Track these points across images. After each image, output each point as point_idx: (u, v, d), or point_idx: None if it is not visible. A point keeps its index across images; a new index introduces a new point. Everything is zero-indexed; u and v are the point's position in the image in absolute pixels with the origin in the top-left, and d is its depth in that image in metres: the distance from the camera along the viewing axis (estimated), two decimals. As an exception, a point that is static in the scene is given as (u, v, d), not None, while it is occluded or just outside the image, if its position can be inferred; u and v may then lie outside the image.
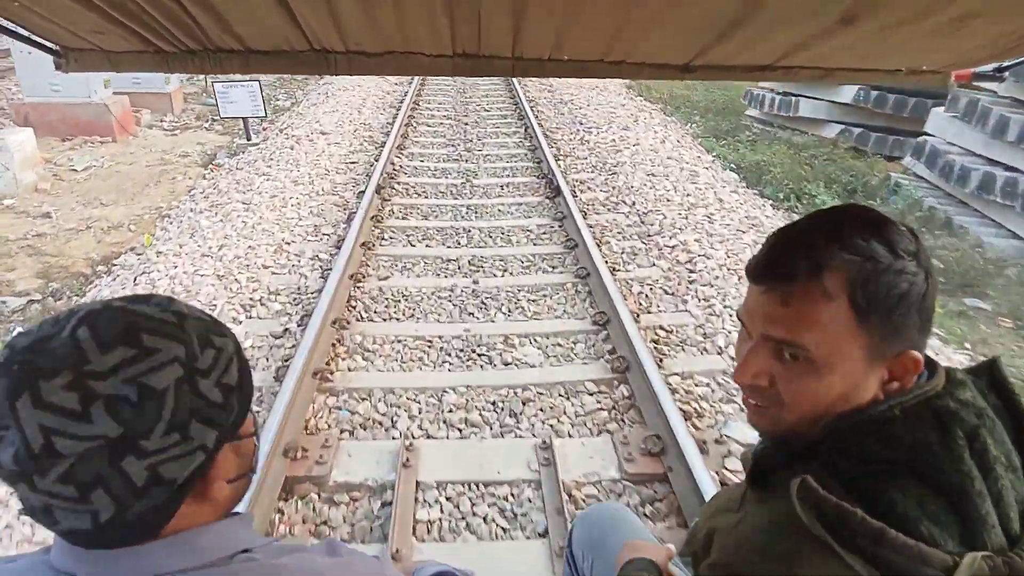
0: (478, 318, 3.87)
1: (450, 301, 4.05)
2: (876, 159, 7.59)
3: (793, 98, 8.64)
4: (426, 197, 5.95)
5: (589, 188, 6.18)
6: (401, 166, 6.84)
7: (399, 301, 4.02)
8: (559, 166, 6.65)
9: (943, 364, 0.76)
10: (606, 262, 4.45)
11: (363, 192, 5.67)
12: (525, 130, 8.47)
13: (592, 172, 6.69)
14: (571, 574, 1.34)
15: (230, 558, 0.64)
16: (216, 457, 0.64)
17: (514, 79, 11.34)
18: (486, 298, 4.08)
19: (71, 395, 0.55)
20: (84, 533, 0.58)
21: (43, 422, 0.54)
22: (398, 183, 6.24)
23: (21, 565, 0.63)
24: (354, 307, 3.95)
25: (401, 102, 9.85)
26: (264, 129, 8.92)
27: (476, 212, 5.58)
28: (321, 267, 4.45)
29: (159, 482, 0.59)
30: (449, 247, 4.83)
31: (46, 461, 0.55)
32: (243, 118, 8.10)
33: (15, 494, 0.58)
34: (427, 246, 4.85)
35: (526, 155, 7.38)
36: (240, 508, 0.76)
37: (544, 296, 4.12)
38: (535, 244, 4.92)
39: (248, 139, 8.24)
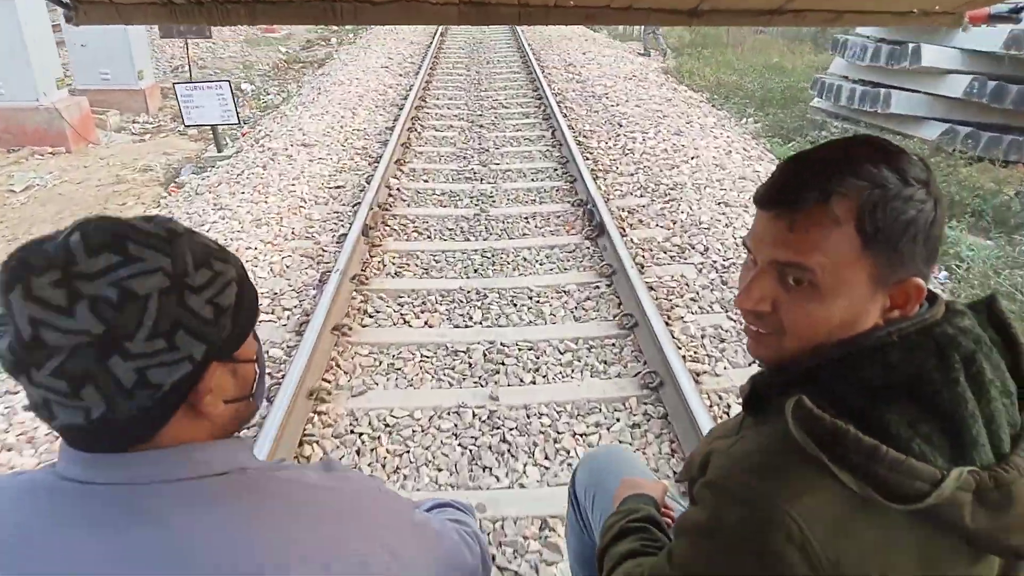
0: (497, 478, 2.49)
1: (457, 442, 2.67)
2: (1008, 168, 6.02)
3: (883, 90, 7.05)
4: (428, 238, 4.54)
5: (641, 222, 4.73)
6: (399, 189, 5.41)
7: (378, 437, 2.65)
8: (599, 187, 5.19)
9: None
10: (684, 357, 3.04)
11: (345, 235, 4.27)
12: (552, 134, 7.00)
13: (642, 196, 5.21)
14: (575, 515, 1.36)
15: (224, 474, 0.66)
16: (205, 372, 0.66)
17: (537, 70, 9.83)
18: (509, 433, 2.69)
19: (58, 292, 0.58)
20: (79, 430, 0.62)
21: (32, 314, 0.58)
22: (393, 217, 4.82)
23: (30, 476, 0.67)
24: (311, 454, 2.58)
25: (405, 99, 8.38)
26: (242, 135, 7.54)
27: (493, 262, 4.16)
28: (271, 375, 3.05)
29: (146, 385, 0.61)
30: (456, 325, 3.45)
31: (37, 352, 0.58)
32: (212, 126, 6.72)
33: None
34: (426, 325, 3.46)
35: (556, 171, 5.91)
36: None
37: (597, 426, 2.73)
38: (576, 318, 3.51)
39: (219, 150, 6.87)
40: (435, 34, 13.83)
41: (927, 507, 0.63)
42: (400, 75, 10.09)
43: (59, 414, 0.60)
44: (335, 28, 15.57)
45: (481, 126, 7.44)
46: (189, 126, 7.06)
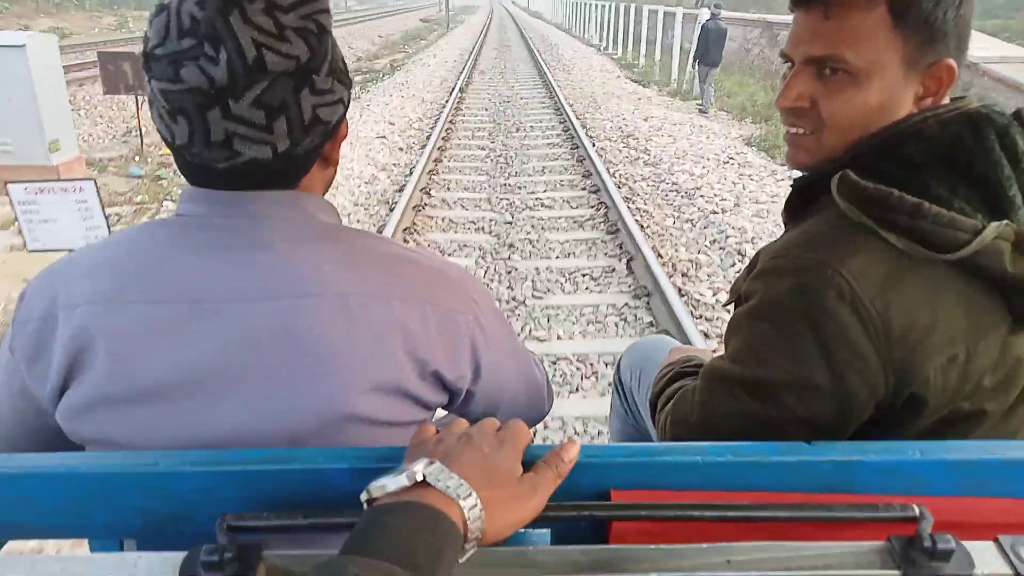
0: None
1: None
2: None
3: None
4: None
5: None
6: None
7: None
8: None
9: None
10: None
11: None
12: (629, 265, 4.22)
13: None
14: (620, 400, 1.37)
15: (327, 224, 0.70)
16: (342, 121, 0.70)
17: (586, 143, 7.15)
18: None
19: (268, 19, 0.60)
20: (261, 164, 0.63)
21: (254, 36, 0.59)
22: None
23: (153, 221, 0.69)
24: None
25: (400, 190, 5.68)
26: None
27: None
28: None
29: (319, 122, 0.65)
30: None
31: (254, 74, 0.59)
32: (69, 251, 4.03)
33: (191, 132, 0.61)
34: None
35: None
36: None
37: None
38: None
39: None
40: (453, 89, 11.36)
41: (970, 255, 0.66)
42: (400, 149, 7.47)
43: (244, 150, 0.61)
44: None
45: (511, 246, 4.65)
46: (34, 251, 4.37)
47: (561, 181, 6.28)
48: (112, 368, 0.62)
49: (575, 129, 7.99)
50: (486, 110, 10.01)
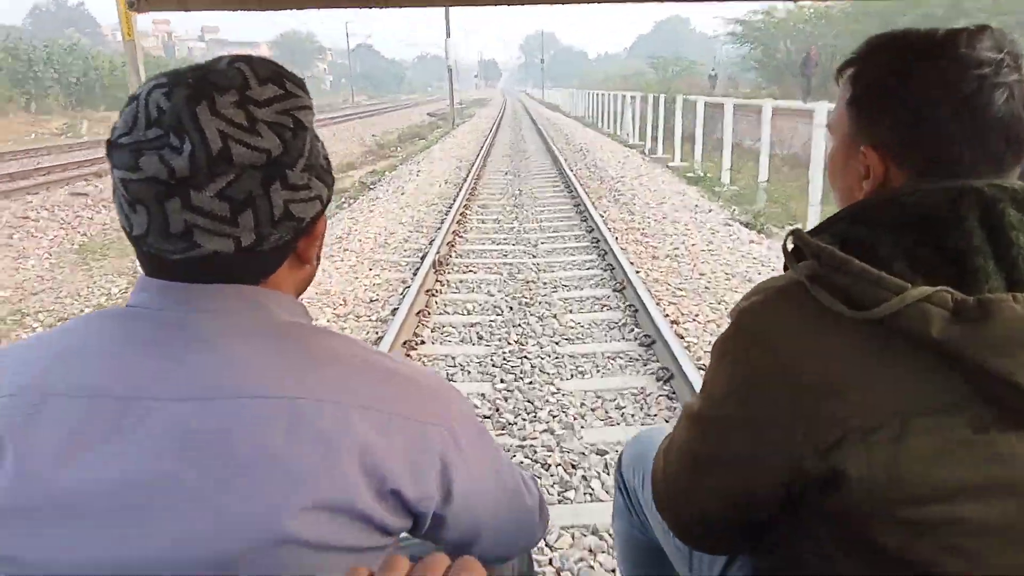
0: None
1: None
2: None
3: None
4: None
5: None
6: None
7: None
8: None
9: None
10: None
11: None
12: None
13: None
14: (623, 499, 1.30)
15: (286, 322, 0.66)
16: (320, 219, 0.68)
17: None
18: None
19: (240, 112, 0.59)
20: (222, 258, 0.60)
21: (221, 128, 0.57)
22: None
23: (104, 310, 0.65)
24: None
25: None
26: None
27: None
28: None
29: (291, 217, 0.62)
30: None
31: (218, 167, 0.57)
32: None
33: (148, 222, 0.59)
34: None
35: None
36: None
37: None
38: None
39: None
40: (424, 256, 5.91)
41: (891, 316, 0.62)
42: None
43: (205, 242, 0.59)
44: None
45: None
46: None
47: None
48: (21, 475, 0.55)
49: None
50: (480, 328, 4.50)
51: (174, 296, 0.61)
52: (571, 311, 4.87)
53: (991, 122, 0.67)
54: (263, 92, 0.60)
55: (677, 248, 6.43)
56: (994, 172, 0.68)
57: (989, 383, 0.60)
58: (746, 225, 7.64)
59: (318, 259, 0.72)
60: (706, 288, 5.20)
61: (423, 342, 4.32)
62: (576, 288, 5.41)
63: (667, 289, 5.22)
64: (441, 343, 4.33)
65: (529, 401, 3.49)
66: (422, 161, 14.97)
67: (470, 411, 0.71)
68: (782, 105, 11.53)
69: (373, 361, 0.64)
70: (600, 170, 12.54)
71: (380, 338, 4.23)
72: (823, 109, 8.12)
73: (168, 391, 0.57)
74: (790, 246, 0.73)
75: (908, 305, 0.60)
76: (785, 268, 0.76)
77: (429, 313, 4.82)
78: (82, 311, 6.27)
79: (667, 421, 3.33)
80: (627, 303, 4.91)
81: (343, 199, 11.43)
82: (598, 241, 6.79)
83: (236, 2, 1.41)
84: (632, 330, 4.41)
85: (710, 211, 8.12)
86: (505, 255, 6.55)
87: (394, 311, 4.75)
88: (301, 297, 0.72)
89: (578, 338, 4.36)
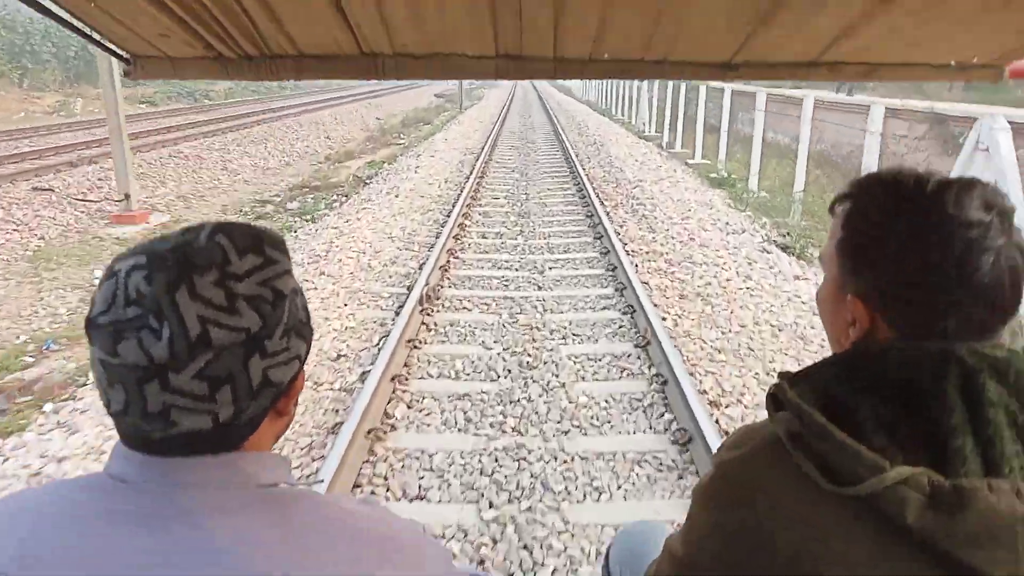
0: None
1: None
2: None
3: None
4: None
5: None
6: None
7: None
8: None
9: None
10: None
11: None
12: None
13: None
14: None
15: (266, 486, 0.65)
16: (301, 372, 0.69)
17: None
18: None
19: (219, 291, 0.59)
20: (199, 434, 0.60)
21: (200, 312, 0.58)
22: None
23: (85, 478, 0.65)
24: None
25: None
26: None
27: None
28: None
29: (269, 384, 0.63)
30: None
31: (197, 350, 0.58)
32: None
33: (127, 402, 0.59)
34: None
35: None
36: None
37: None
38: None
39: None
40: (424, 265, 4.98)
41: (867, 496, 0.61)
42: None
43: (183, 421, 0.59)
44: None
45: None
46: None
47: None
48: None
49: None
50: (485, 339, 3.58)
51: (158, 469, 0.61)
52: (583, 377, 3.93)
53: (978, 288, 0.66)
54: (243, 265, 0.61)
55: (709, 283, 5.46)
56: (979, 336, 0.67)
57: (961, 574, 0.60)
58: (784, 249, 6.64)
59: (296, 404, 0.71)
60: (750, 350, 4.24)
61: (394, 427, 3.40)
62: (589, 339, 4.47)
63: (701, 348, 4.26)
64: (418, 428, 3.41)
65: (526, 546, 2.56)
66: (423, 154, 13.95)
67: (444, 556, 0.71)
68: (827, 98, 10.40)
69: (341, 525, 0.64)
70: (616, 170, 11.50)
71: (339, 424, 3.31)
72: (879, 111, 7.09)
73: (144, 572, 0.57)
74: (768, 395, 0.72)
75: (886, 487, 0.60)
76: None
77: (408, 377, 3.89)
78: (17, 339, 5.38)
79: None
80: (653, 369, 3.96)
81: (334, 196, 10.49)
82: (614, 268, 5.83)
83: (230, 72, 1.39)
84: (662, 415, 3.47)
85: (743, 231, 7.10)
86: (507, 284, 5.61)
87: (363, 376, 3.83)
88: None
89: (593, 425, 3.42)
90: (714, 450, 2.74)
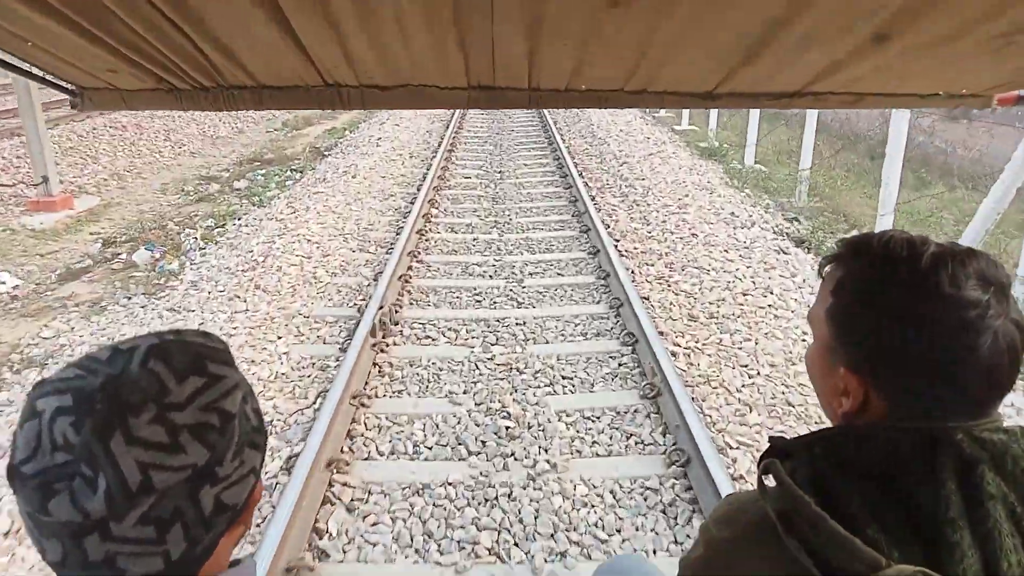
0: None
1: None
2: None
3: None
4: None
5: None
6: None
7: None
8: None
9: None
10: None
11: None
12: None
13: None
14: None
15: None
16: (256, 485, 0.64)
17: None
18: None
19: (158, 428, 0.54)
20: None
21: (139, 458, 0.53)
22: None
23: None
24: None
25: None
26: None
27: None
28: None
29: (223, 509, 0.59)
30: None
31: (139, 498, 0.53)
32: None
33: (64, 555, 0.54)
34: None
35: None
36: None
37: None
38: None
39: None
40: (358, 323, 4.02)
41: None
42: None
43: (131, 567, 0.54)
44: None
45: None
46: None
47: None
48: None
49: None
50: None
51: None
52: (578, 449, 3.04)
53: (975, 368, 0.63)
54: (183, 391, 0.56)
55: (722, 297, 4.56)
56: (976, 414, 0.65)
57: None
58: (800, 244, 5.76)
59: (253, 512, 0.66)
60: (788, 405, 3.36)
61: (325, 554, 2.47)
62: (582, 384, 3.56)
63: (727, 403, 3.38)
64: (359, 550, 2.49)
65: None
66: (387, 120, 12.73)
67: None
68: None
69: None
70: (600, 142, 10.46)
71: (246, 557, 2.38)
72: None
73: None
74: (759, 474, 0.69)
75: None
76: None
77: (348, 462, 2.95)
78: None
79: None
80: (668, 437, 3.08)
81: (287, 172, 9.35)
82: (607, 276, 4.91)
83: (184, 103, 1.34)
84: (688, 518, 2.60)
85: (753, 225, 6.18)
86: (479, 299, 4.67)
87: (290, 464, 2.89)
88: None
89: (599, 543, 2.53)
90: None
